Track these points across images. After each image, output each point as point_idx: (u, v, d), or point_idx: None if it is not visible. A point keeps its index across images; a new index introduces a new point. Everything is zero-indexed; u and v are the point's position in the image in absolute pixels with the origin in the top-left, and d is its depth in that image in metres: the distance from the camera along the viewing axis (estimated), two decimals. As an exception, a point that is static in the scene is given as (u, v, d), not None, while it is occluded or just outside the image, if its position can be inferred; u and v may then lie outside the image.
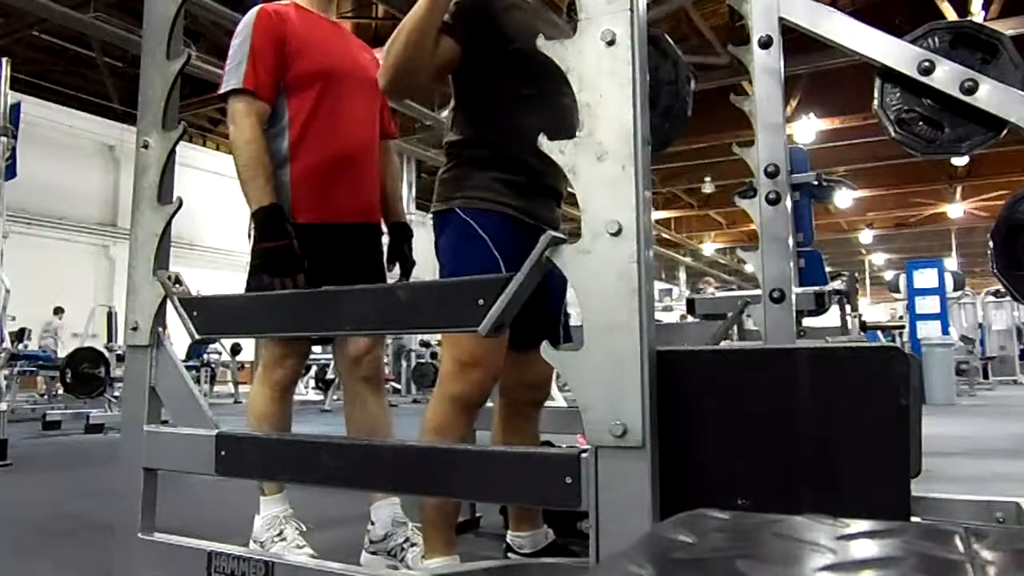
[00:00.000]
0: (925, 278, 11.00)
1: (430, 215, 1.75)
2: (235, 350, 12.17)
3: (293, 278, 1.82)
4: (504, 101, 1.67)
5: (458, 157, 1.69)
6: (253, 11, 1.97)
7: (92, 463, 4.49)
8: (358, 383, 2.06)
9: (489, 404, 1.77)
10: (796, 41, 2.03)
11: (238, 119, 1.88)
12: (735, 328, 3.44)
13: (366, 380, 2.05)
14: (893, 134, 1.87)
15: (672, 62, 2.27)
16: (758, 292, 1.91)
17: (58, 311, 11.62)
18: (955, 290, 12.56)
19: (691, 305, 4.48)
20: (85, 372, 6.79)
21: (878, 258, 25.71)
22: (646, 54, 1.04)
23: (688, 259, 25.16)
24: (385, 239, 2.18)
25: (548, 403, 1.94)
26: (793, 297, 1.86)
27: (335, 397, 9.12)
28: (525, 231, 1.61)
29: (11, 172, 4.69)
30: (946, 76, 1.64)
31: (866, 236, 22.05)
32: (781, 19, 1.84)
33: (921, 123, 1.83)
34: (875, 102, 1.86)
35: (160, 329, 1.45)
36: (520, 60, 1.64)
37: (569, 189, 1.27)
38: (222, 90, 1.92)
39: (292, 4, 2.04)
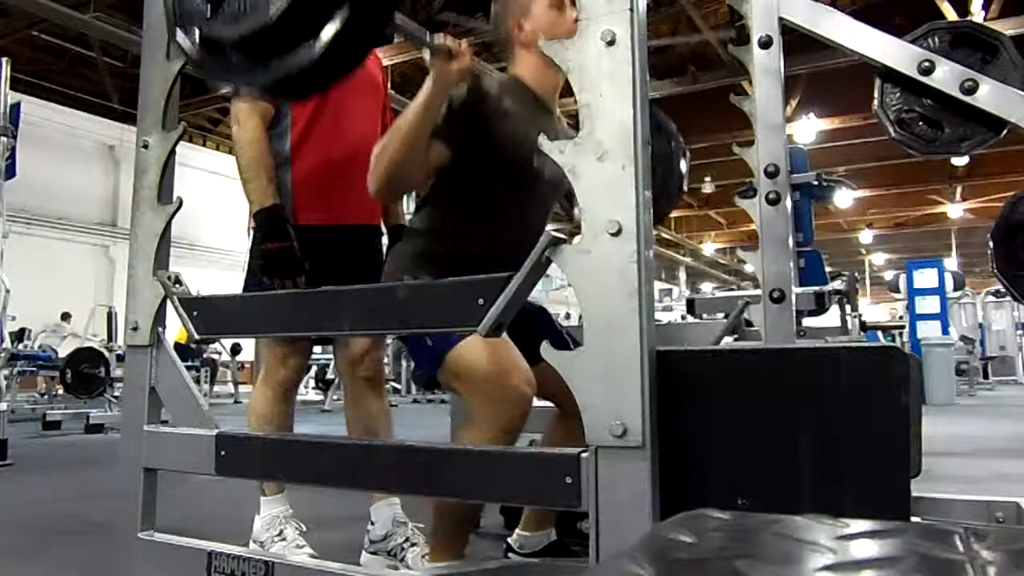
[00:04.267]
0: (925, 278, 11.01)
1: None
2: (235, 350, 12.17)
3: (293, 280, 1.82)
4: (486, 203, 1.67)
5: (424, 248, 1.69)
6: None
7: (92, 463, 4.49)
8: (358, 383, 2.06)
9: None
10: (796, 41, 2.03)
11: (241, 119, 1.88)
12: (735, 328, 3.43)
13: (366, 380, 2.05)
14: (893, 134, 1.87)
15: (666, 137, 2.28)
16: (758, 292, 1.91)
17: (66, 316, 11.59)
18: (955, 290, 12.57)
19: (691, 305, 4.48)
20: (85, 372, 6.79)
21: (878, 258, 25.70)
22: (646, 54, 1.04)
23: (688, 259, 25.15)
24: (384, 240, 2.18)
25: (546, 403, 1.93)
26: (793, 297, 1.86)
27: (335, 397, 9.11)
28: None
29: (11, 172, 4.69)
30: (946, 76, 1.64)
31: (866, 236, 22.05)
32: (781, 19, 1.84)
33: (921, 123, 1.83)
34: (875, 102, 1.86)
35: (160, 329, 1.45)
36: (507, 167, 1.65)
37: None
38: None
39: None
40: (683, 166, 2.32)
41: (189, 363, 10.05)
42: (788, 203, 1.89)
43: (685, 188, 2.37)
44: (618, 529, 0.94)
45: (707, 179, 16.19)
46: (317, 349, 8.11)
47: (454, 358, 1.54)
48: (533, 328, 1.68)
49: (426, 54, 1.46)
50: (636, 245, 0.97)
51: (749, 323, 3.21)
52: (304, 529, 1.99)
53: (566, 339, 1.76)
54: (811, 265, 4.57)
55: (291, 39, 0.95)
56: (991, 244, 2.13)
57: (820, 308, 4.05)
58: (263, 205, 1.84)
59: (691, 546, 0.47)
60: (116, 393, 6.82)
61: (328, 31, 0.93)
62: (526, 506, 1.89)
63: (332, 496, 2.63)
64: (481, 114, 1.62)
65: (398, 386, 11.97)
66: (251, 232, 2.00)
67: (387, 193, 1.61)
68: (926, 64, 1.65)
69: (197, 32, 1.03)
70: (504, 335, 1.47)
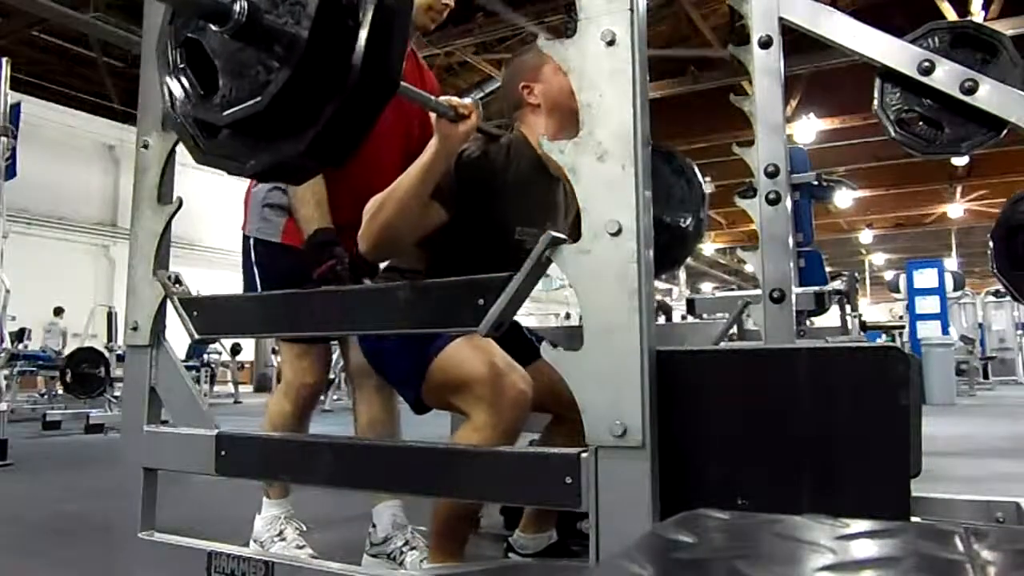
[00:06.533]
0: (925, 278, 11.00)
1: None
2: (235, 350, 12.18)
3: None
4: (465, 260, 1.57)
5: None
6: None
7: (92, 463, 4.49)
8: (365, 382, 2.05)
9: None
10: (796, 41, 2.03)
11: None
12: (735, 328, 3.44)
13: (373, 380, 2.04)
14: (893, 134, 1.87)
15: (686, 179, 2.28)
16: (758, 292, 1.91)
17: (58, 311, 11.61)
18: (955, 290, 12.56)
19: (691, 305, 4.48)
20: (85, 372, 6.79)
21: (878, 258, 25.69)
22: (646, 54, 1.04)
23: (688, 259, 25.12)
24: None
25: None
26: (793, 297, 1.86)
27: (335, 397, 9.11)
28: None
29: (11, 172, 4.69)
30: (946, 76, 1.64)
31: (866, 236, 22.05)
32: (781, 19, 1.84)
33: (921, 123, 1.83)
34: (875, 102, 1.86)
35: (160, 329, 1.44)
36: (494, 232, 1.62)
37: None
38: None
39: None
40: (703, 212, 2.34)
41: (189, 363, 10.06)
42: (788, 203, 1.89)
43: (704, 232, 2.39)
44: (618, 529, 0.94)
45: (707, 179, 16.15)
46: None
47: (441, 367, 1.51)
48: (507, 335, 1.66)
49: (432, 116, 1.42)
50: (636, 245, 0.97)
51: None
52: (304, 529, 1.99)
53: (535, 345, 1.73)
54: (811, 265, 4.57)
55: (278, 128, 0.95)
56: (991, 244, 2.13)
57: (820, 308, 4.06)
58: (309, 232, 1.80)
59: (691, 546, 0.47)
60: (116, 393, 6.82)
61: (319, 122, 0.93)
62: (526, 506, 1.89)
63: (332, 496, 2.63)
64: (483, 178, 1.58)
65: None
66: (249, 240, 2.01)
67: (376, 254, 1.55)
68: (926, 64, 1.65)
69: (186, 115, 1.02)
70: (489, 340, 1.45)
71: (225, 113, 0.96)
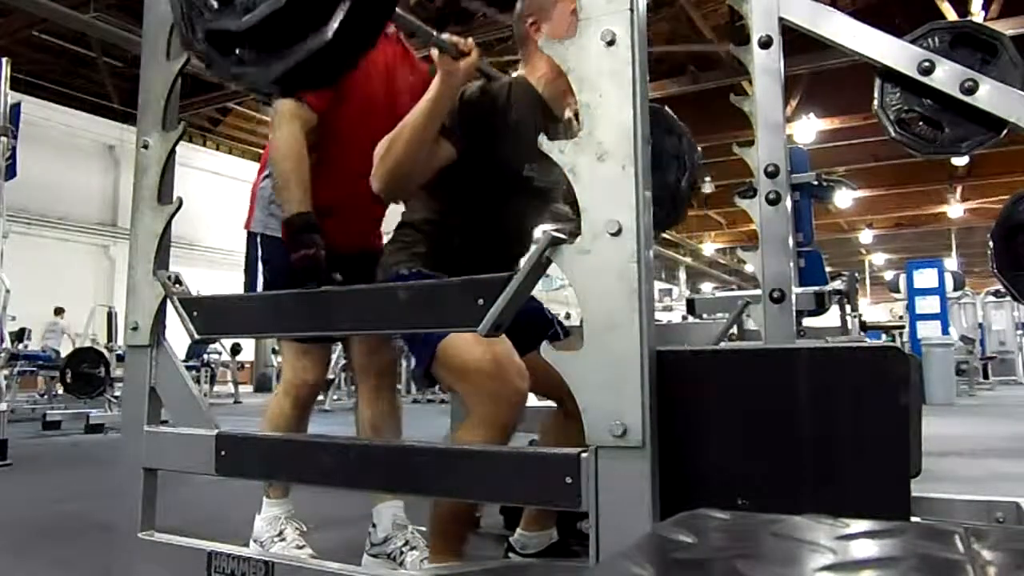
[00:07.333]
0: (925, 278, 11.00)
1: None
2: (235, 350, 12.18)
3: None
4: (476, 202, 1.67)
5: (413, 241, 1.67)
6: None
7: (92, 463, 4.49)
8: (368, 380, 2.05)
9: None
10: (796, 41, 2.03)
11: (281, 123, 1.79)
12: (735, 328, 3.43)
13: (376, 378, 2.05)
14: (893, 134, 1.87)
15: (677, 136, 2.28)
16: (758, 292, 1.91)
17: (59, 311, 11.61)
18: (955, 290, 12.56)
19: (691, 305, 4.47)
20: (85, 372, 6.79)
21: (878, 258, 25.69)
22: (646, 54, 1.04)
23: (688, 259, 25.15)
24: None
25: (547, 402, 1.93)
26: (793, 297, 1.86)
27: (335, 397, 9.11)
28: None
29: (11, 172, 4.68)
30: (946, 76, 1.64)
31: (866, 236, 22.04)
32: (781, 19, 1.84)
33: (921, 123, 1.83)
34: (875, 102, 1.86)
35: (160, 329, 1.44)
36: (501, 171, 1.64)
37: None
38: None
39: None
40: (697, 171, 2.32)
41: (189, 363, 10.06)
42: (788, 203, 1.89)
43: (698, 186, 2.38)
44: (618, 529, 0.94)
45: (707, 179, 16.17)
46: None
47: (445, 350, 1.53)
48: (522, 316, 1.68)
49: (434, 52, 1.44)
50: (636, 245, 0.97)
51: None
52: (304, 529, 1.99)
53: (556, 329, 1.76)
54: (811, 265, 4.57)
55: (298, 26, 0.96)
56: (991, 244, 2.13)
57: (820, 308, 4.05)
58: (290, 214, 1.76)
59: (691, 546, 0.47)
60: (116, 393, 6.82)
61: (336, 17, 0.94)
62: (526, 506, 1.89)
63: (332, 496, 2.63)
64: (486, 116, 1.60)
65: (398, 386, 11.95)
66: (255, 237, 2.00)
67: (389, 194, 1.59)
68: (926, 64, 1.65)
69: (203, 30, 1.03)
70: None
71: (245, 18, 0.97)
